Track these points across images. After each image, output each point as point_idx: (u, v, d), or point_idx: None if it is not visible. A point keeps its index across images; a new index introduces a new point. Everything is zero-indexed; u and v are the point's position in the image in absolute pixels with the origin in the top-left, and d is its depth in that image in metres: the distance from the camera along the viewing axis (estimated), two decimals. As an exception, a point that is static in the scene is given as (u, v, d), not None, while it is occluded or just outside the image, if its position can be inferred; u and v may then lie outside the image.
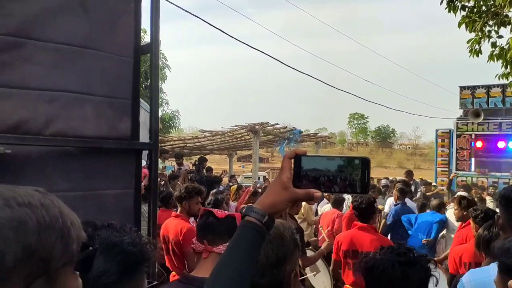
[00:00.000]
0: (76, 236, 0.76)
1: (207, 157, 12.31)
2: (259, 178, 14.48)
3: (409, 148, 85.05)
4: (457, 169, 14.50)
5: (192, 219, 4.36)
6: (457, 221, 5.38)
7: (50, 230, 0.70)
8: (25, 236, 0.67)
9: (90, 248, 0.83)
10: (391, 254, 1.53)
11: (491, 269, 1.94)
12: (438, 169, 15.06)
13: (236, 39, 10.26)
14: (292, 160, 1.08)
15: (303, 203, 7.04)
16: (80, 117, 1.84)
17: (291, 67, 11.58)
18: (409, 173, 11.24)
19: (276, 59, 11.29)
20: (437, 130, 15.45)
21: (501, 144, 13.77)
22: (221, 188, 10.22)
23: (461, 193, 8.22)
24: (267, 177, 18.54)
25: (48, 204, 0.73)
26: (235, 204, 7.92)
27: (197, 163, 10.42)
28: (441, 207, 6.71)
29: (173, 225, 4.06)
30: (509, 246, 1.46)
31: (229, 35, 9.92)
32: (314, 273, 4.05)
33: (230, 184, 11.14)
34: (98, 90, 1.90)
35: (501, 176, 13.66)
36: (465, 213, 5.05)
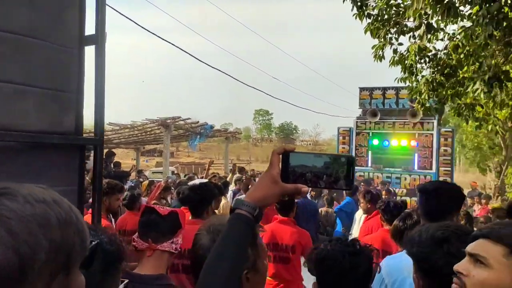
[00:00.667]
0: (88, 232, 0.77)
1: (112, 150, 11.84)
2: (172, 173, 14.25)
3: (310, 144, 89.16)
4: (356, 165, 15.58)
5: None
6: (364, 213, 5.84)
7: (69, 225, 0.71)
8: (51, 232, 0.67)
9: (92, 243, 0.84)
10: (340, 245, 1.65)
11: (403, 255, 2.17)
12: (339, 164, 15.95)
13: (147, 30, 9.97)
14: (281, 156, 1.12)
15: (223, 199, 7.14)
16: (22, 111, 1.73)
17: (200, 60, 11.53)
18: None
19: (186, 52, 11.18)
20: (338, 128, 16.43)
21: (394, 142, 15.13)
22: (130, 183, 9.92)
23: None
24: (176, 172, 18.32)
25: (59, 200, 0.74)
26: (146, 199, 7.75)
27: (104, 157, 9.99)
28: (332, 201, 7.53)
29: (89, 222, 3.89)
30: (413, 235, 1.57)
31: (139, 25, 9.60)
32: None
33: (141, 180, 10.84)
34: (42, 82, 1.80)
35: (394, 171, 14.99)
36: (369, 205, 5.51)
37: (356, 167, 15.27)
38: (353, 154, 15.55)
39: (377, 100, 15.74)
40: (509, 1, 4.93)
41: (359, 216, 6.32)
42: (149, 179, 11.19)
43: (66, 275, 0.72)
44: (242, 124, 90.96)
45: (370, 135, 15.56)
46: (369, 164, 15.49)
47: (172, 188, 7.88)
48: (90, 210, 4.04)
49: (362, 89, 16.04)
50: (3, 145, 1.68)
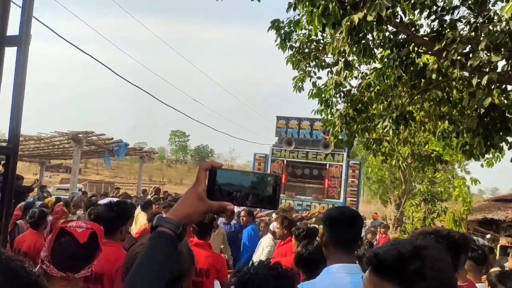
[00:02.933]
0: None
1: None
2: (79, 190, 13.41)
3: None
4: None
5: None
6: (278, 238, 5.94)
7: None
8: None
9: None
10: (264, 268, 1.67)
11: (317, 282, 2.24)
12: (253, 190, 16.13)
13: (61, 37, 9.46)
14: (207, 172, 1.09)
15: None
16: None
17: (116, 74, 11.15)
18: None
19: (102, 64, 10.78)
20: (255, 154, 16.70)
21: (306, 171, 15.74)
22: (31, 199, 9.24)
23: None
24: (83, 189, 17.25)
25: None
26: (51, 218, 7.23)
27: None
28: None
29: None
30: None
31: (54, 32, 9.08)
32: None
33: (45, 195, 10.09)
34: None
35: (304, 199, 15.52)
36: (285, 231, 5.63)
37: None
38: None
39: (293, 130, 16.32)
40: (416, 48, 5.45)
41: (266, 242, 6.39)
42: (54, 196, 10.45)
43: None
44: (157, 144, 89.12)
45: (285, 162, 16.02)
46: (283, 192, 15.88)
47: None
48: None
49: (279, 118, 16.55)
50: None
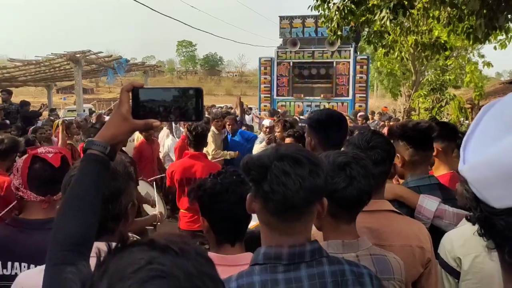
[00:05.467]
0: None
1: (20, 89, 10.94)
2: (84, 110, 13.53)
3: (236, 75, 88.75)
4: (277, 95, 15.80)
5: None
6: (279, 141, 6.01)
7: None
8: None
9: None
10: (230, 176, 1.68)
11: None
12: (261, 95, 16.09)
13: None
14: (130, 93, 1.12)
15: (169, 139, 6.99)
16: None
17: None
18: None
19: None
20: (260, 58, 16.34)
21: (313, 71, 15.44)
22: (40, 123, 9.36)
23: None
24: (93, 109, 17.41)
25: None
26: (56, 139, 7.39)
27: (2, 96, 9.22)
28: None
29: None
30: None
31: None
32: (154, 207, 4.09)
33: (52, 118, 10.20)
34: None
35: (313, 100, 15.41)
36: (285, 134, 5.66)
37: (278, 97, 15.53)
38: (275, 84, 15.72)
39: (297, 29, 15.74)
40: None
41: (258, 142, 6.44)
42: (64, 118, 10.56)
43: None
44: (165, 57, 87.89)
45: (291, 64, 15.69)
46: (290, 94, 15.75)
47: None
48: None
49: (282, 18, 15.90)
50: None
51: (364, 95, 15.35)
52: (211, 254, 1.63)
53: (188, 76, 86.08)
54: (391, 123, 12.35)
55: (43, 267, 1.38)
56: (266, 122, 6.79)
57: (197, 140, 4.32)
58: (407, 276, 1.63)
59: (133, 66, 16.80)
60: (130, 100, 1.13)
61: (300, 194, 1.13)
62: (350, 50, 15.05)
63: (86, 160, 1.08)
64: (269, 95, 15.98)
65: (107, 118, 7.99)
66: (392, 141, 2.02)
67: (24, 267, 1.71)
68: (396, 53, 9.39)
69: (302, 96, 15.70)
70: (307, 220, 1.22)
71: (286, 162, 1.15)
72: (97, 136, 1.12)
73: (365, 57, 15.72)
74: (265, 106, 15.61)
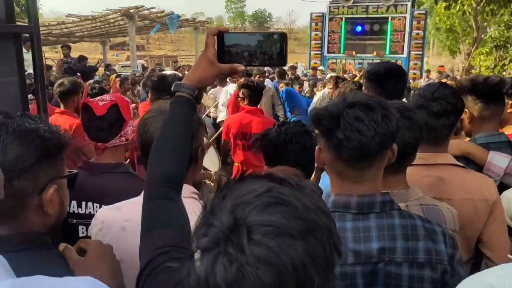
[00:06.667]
0: None
1: (76, 45, 11.33)
2: (137, 66, 13.83)
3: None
4: (328, 52, 15.44)
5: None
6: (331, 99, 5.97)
7: None
8: None
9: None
10: (294, 127, 1.71)
11: None
12: (311, 52, 15.77)
13: None
14: (215, 37, 1.13)
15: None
16: None
17: None
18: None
19: None
20: (311, 14, 15.90)
21: (367, 27, 14.88)
22: (97, 78, 9.70)
23: (332, 74, 8.97)
24: (145, 65, 17.77)
25: None
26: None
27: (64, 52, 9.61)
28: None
29: (61, 122, 3.82)
30: None
31: None
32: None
33: (107, 73, 10.54)
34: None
35: (365, 57, 14.93)
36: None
37: (329, 54, 15.15)
38: (326, 41, 15.33)
39: (351, -19, 15.08)
40: None
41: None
42: (118, 73, 10.89)
43: None
44: (214, 13, 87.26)
45: (343, 20, 15.19)
46: (342, 51, 15.35)
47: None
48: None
49: (335, -30, 15.27)
50: None
51: (420, 52, 14.69)
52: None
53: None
54: (448, 82, 11.86)
55: (120, 204, 1.49)
56: None
57: (253, 96, 4.37)
58: (470, 230, 1.61)
59: (184, 22, 16.85)
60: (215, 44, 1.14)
61: (376, 139, 1.13)
62: (407, 4, 14.31)
63: (175, 102, 1.12)
64: (319, 52, 15.65)
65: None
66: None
67: (96, 206, 1.80)
68: (458, 7, 8.83)
69: (354, 53, 15.25)
70: (378, 167, 1.22)
71: (358, 109, 1.14)
72: (185, 79, 1.15)
73: (423, 11, 14.92)
74: (315, 63, 15.30)
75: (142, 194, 1.50)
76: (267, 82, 7.26)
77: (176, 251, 0.94)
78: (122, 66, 18.94)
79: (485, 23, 16.23)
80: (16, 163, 0.98)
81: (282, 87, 7.68)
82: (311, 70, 12.94)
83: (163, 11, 14.42)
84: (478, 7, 12.17)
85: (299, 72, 13.02)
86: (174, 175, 1.07)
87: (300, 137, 1.70)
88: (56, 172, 1.09)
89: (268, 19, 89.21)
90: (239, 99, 4.55)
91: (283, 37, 1.15)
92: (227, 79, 7.08)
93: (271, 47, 1.14)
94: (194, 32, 18.78)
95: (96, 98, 2.08)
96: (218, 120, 6.75)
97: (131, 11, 12.89)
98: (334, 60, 15.38)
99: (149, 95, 3.58)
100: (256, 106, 4.44)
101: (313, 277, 0.62)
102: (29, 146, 1.00)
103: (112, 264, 1.12)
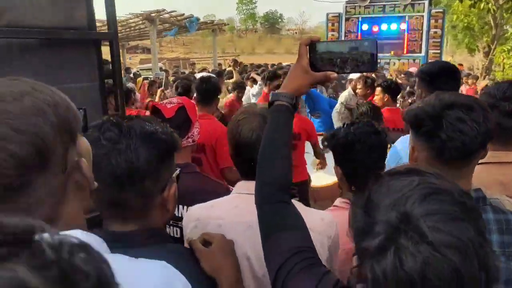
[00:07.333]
0: (73, 106, 0.83)
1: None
2: (160, 69, 13.98)
3: (296, 33, 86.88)
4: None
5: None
6: (360, 99, 5.97)
7: (58, 105, 0.77)
8: (48, 117, 0.74)
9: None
10: (363, 127, 1.75)
11: None
12: (328, 52, 15.73)
13: None
14: (307, 47, 1.18)
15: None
16: (35, 5, 1.68)
17: None
18: None
19: None
20: (327, 14, 15.89)
21: (384, 26, 14.84)
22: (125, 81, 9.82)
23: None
24: (164, 68, 17.93)
25: (38, 86, 0.77)
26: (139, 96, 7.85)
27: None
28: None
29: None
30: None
31: None
32: None
33: (131, 76, 10.69)
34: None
35: (383, 56, 14.89)
36: (368, 91, 5.63)
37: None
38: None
39: (367, -18, 15.06)
40: None
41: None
42: (143, 76, 11.01)
43: (74, 145, 0.81)
44: (225, 15, 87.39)
45: (360, 19, 15.17)
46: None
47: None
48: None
49: (351, -30, 15.26)
50: (20, 42, 1.66)
51: (438, 51, 14.58)
52: (346, 200, 1.76)
53: (248, 34, 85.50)
54: (469, 80, 11.77)
55: (211, 202, 1.55)
56: None
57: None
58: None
59: (203, 24, 17.02)
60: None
61: (477, 139, 1.17)
62: (424, 3, 14.25)
63: (276, 111, 1.16)
64: (336, 52, 15.61)
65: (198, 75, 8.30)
66: None
67: (183, 208, 1.85)
68: (483, 4, 8.78)
69: (372, 53, 15.19)
70: (474, 164, 1.27)
71: (458, 109, 1.18)
72: (282, 88, 1.20)
73: (441, 10, 14.85)
74: (331, 63, 15.26)
75: (231, 193, 1.57)
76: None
77: (307, 252, 0.98)
78: (140, 69, 19.14)
79: (503, 20, 16.09)
80: (146, 165, 1.04)
81: None
82: None
83: (183, 14, 14.59)
84: (498, 3, 12.07)
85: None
86: (285, 179, 1.12)
87: (368, 137, 1.73)
88: (172, 171, 1.16)
89: (280, 20, 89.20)
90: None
91: (374, 43, 1.17)
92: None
93: (362, 54, 1.16)
94: (212, 35, 18.92)
95: (164, 101, 2.17)
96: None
97: (153, 15, 13.05)
98: (351, 60, 15.35)
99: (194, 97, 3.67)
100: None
101: (488, 251, 0.68)
102: (155, 148, 1.06)
103: (235, 258, 1.18)
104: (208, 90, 3.35)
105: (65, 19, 1.79)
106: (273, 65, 15.44)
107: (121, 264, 0.84)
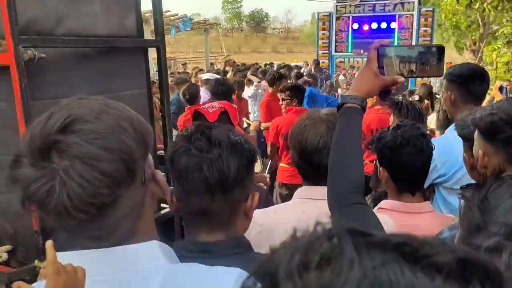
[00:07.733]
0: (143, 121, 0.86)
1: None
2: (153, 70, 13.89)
3: (281, 32, 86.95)
4: (336, 51, 15.55)
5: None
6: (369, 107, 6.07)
7: (133, 121, 0.80)
8: (128, 134, 0.77)
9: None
10: (410, 129, 1.77)
11: (448, 137, 2.33)
12: (319, 51, 15.86)
13: None
14: (377, 51, 1.20)
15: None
16: (90, 14, 1.69)
17: None
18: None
19: None
20: (318, 13, 16.00)
21: (374, 25, 14.99)
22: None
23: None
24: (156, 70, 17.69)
25: (112, 104, 0.81)
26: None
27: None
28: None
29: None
30: (463, 118, 1.70)
31: None
32: None
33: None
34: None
35: (374, 55, 15.01)
36: (375, 100, 5.69)
37: (336, 53, 15.09)
38: (334, 40, 15.43)
39: (357, -19, 15.19)
40: None
41: None
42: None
43: (147, 157, 0.84)
44: (211, 14, 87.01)
45: (350, 19, 15.30)
46: (349, 50, 15.45)
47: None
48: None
49: (340, -31, 15.37)
50: (76, 50, 1.67)
51: (428, 49, 14.80)
52: (395, 203, 1.79)
53: (234, 33, 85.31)
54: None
55: (274, 207, 1.58)
56: None
57: (301, 96, 4.54)
58: None
59: (195, 24, 16.95)
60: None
61: None
62: (414, 2, 14.44)
63: (346, 113, 1.18)
64: (327, 51, 15.73)
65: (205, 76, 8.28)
66: None
67: None
68: (478, 4, 8.95)
69: (362, 52, 15.29)
70: None
71: None
72: (352, 91, 1.21)
73: (430, 9, 15.06)
74: (323, 62, 15.39)
75: (293, 198, 1.59)
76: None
77: None
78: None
79: (491, 19, 16.36)
80: (236, 174, 1.05)
81: None
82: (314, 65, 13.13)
83: (177, 14, 14.51)
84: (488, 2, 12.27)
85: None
86: (360, 181, 1.15)
87: (416, 140, 1.74)
88: (252, 180, 1.17)
89: (265, 18, 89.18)
90: (284, 102, 4.68)
91: (441, 49, 1.21)
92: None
93: (430, 59, 1.19)
94: (205, 34, 18.87)
95: (206, 105, 2.20)
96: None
97: (147, 15, 12.93)
98: (342, 59, 15.49)
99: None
100: (301, 107, 4.59)
101: None
102: (241, 158, 1.07)
103: None
104: (224, 92, 3.44)
105: (117, 27, 1.81)
106: (266, 64, 15.47)
107: (198, 273, 0.86)
